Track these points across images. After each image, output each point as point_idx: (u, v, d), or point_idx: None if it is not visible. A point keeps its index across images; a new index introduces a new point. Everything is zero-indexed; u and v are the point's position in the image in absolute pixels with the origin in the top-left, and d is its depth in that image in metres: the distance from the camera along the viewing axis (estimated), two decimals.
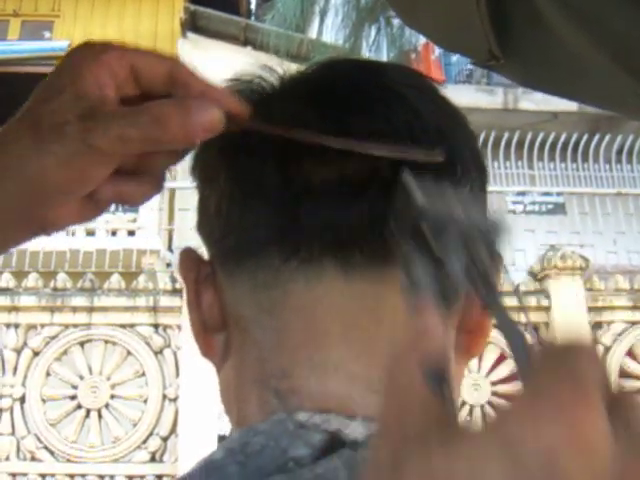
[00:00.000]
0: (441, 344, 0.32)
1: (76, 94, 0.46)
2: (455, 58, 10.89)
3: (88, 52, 0.48)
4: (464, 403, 5.69)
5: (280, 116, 0.51)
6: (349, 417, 0.44)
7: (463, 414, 5.68)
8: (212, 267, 0.54)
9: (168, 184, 8.32)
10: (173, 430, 5.60)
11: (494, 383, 5.84)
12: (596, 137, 8.20)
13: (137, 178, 0.50)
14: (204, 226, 0.55)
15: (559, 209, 7.83)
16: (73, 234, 7.95)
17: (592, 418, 0.27)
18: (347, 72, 0.55)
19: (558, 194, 7.97)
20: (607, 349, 5.99)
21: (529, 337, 0.33)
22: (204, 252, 0.56)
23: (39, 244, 7.37)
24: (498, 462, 0.25)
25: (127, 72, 0.47)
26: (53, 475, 5.48)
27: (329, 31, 9.67)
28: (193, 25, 11.65)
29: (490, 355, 5.85)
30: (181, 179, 7.75)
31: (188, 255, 0.56)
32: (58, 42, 11.21)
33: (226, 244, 0.51)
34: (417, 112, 0.51)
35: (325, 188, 0.48)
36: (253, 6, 14.40)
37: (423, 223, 0.38)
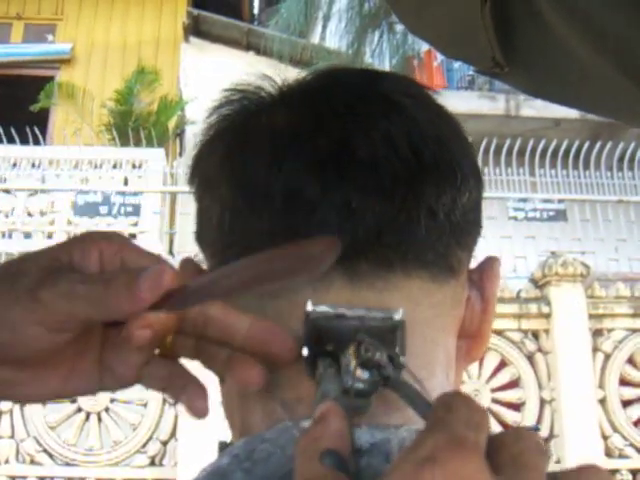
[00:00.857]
0: (341, 432, 0.38)
1: (55, 256, 0.46)
2: (457, 64, 10.89)
3: (87, 235, 0.47)
4: None
5: (280, 126, 0.51)
6: (354, 425, 0.43)
7: None
8: None
9: (169, 188, 8.33)
10: (173, 434, 5.59)
11: (494, 390, 5.83)
12: (598, 144, 8.19)
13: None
14: (205, 237, 0.55)
15: (560, 216, 7.82)
16: None
17: (468, 463, 0.31)
18: (345, 81, 0.55)
19: (559, 201, 7.96)
20: (607, 357, 5.98)
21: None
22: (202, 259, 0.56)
23: (40, 247, 7.36)
24: None
25: (115, 258, 0.46)
26: (52, 478, 5.47)
27: (332, 37, 9.69)
28: (196, 30, 11.67)
29: (490, 362, 5.84)
30: (182, 183, 7.76)
31: (187, 265, 0.56)
32: (61, 45, 11.22)
33: (229, 254, 0.51)
34: (416, 121, 0.51)
35: (329, 198, 0.48)
36: (256, 11, 14.43)
37: (328, 343, 0.44)
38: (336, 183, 0.48)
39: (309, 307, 0.44)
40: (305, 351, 0.45)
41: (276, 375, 0.48)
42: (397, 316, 0.45)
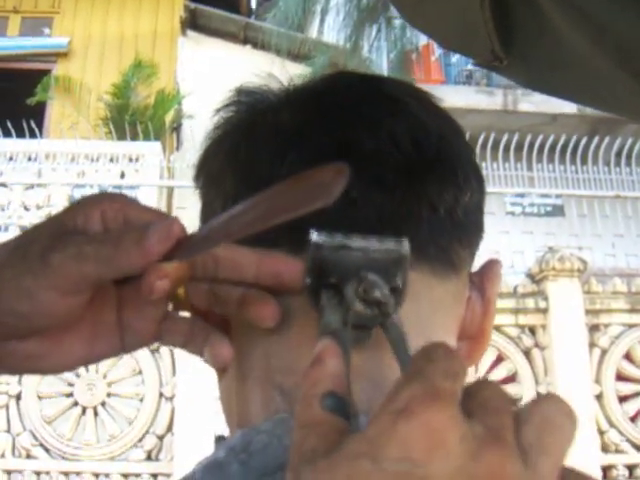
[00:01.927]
0: (338, 372, 0.38)
1: (61, 222, 0.47)
2: (455, 59, 10.89)
3: (88, 198, 0.48)
4: None
5: (285, 123, 0.52)
6: (353, 414, 0.43)
7: None
8: None
9: (166, 182, 8.33)
10: (169, 429, 5.60)
11: None
12: (595, 139, 8.19)
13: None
14: None
15: (558, 211, 7.82)
16: None
17: (441, 413, 0.32)
18: (350, 83, 0.56)
19: (557, 196, 7.96)
20: (604, 352, 6.00)
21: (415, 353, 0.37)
22: None
23: None
24: (367, 473, 0.31)
25: (117, 216, 0.47)
26: (48, 473, 5.48)
27: (330, 31, 9.68)
28: (193, 23, 11.65)
29: (487, 357, 5.85)
30: (179, 177, 7.76)
31: None
32: (58, 39, 11.20)
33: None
34: (419, 119, 0.52)
35: None
36: (254, 4, 14.40)
37: (331, 276, 0.44)
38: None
39: (314, 237, 0.44)
40: (308, 281, 0.45)
41: (276, 359, 0.49)
42: (402, 249, 0.45)
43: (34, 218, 8.06)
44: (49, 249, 0.44)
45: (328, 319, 0.43)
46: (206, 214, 0.56)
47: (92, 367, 5.66)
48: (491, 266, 0.57)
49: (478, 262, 0.58)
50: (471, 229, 0.54)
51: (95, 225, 0.46)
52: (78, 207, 0.47)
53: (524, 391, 5.84)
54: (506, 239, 7.18)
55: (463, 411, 0.33)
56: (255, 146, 0.52)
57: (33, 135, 8.33)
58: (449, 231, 0.51)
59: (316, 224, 0.47)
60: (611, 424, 5.84)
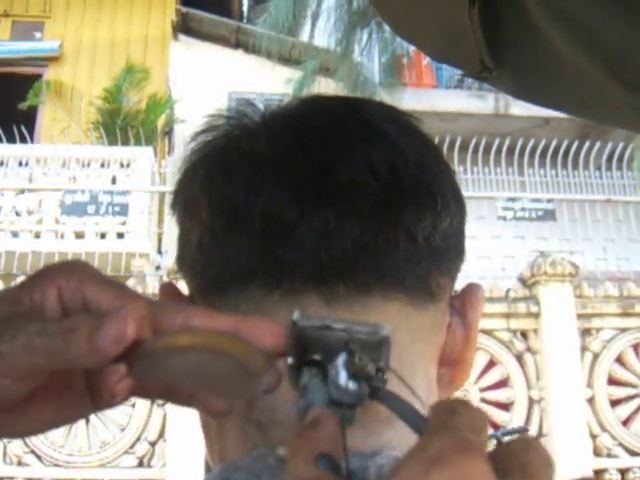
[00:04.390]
0: (333, 436, 0.37)
1: (16, 299, 0.44)
2: None
3: (46, 271, 0.46)
4: None
5: (261, 150, 0.51)
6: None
7: None
8: (192, 301, 0.53)
9: (157, 188, 8.31)
10: (161, 435, 5.58)
11: (483, 389, 5.84)
12: (586, 143, 8.21)
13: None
14: (185, 259, 0.55)
15: (549, 215, 7.84)
16: (62, 236, 7.91)
17: (475, 465, 0.31)
18: (327, 108, 0.56)
19: (548, 200, 7.98)
20: (596, 356, 6.01)
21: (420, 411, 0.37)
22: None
23: (27, 246, 7.34)
24: None
25: (75, 296, 0.44)
26: None
27: (321, 35, 9.68)
28: (185, 27, 11.65)
29: (479, 361, 5.84)
30: (171, 183, 7.73)
31: (167, 289, 0.56)
32: (49, 43, 11.18)
33: (208, 276, 0.51)
34: (397, 147, 0.51)
35: (307, 220, 0.48)
36: (245, 9, 14.42)
37: (314, 353, 0.43)
38: (314, 206, 0.48)
39: (296, 316, 0.44)
40: (290, 360, 0.44)
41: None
42: (384, 331, 0.44)
43: (25, 223, 8.03)
44: (1, 335, 0.42)
45: (311, 397, 0.41)
46: (183, 243, 0.55)
47: None
48: (472, 290, 0.56)
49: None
50: (451, 255, 0.53)
51: (52, 303, 0.44)
52: (35, 282, 0.45)
53: (516, 395, 5.85)
54: (498, 243, 7.18)
55: (497, 469, 0.32)
56: (230, 175, 0.51)
57: (24, 140, 8.30)
58: (427, 259, 0.50)
59: (294, 257, 0.47)
60: (603, 428, 5.84)
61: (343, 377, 0.41)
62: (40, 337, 0.41)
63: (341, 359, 0.42)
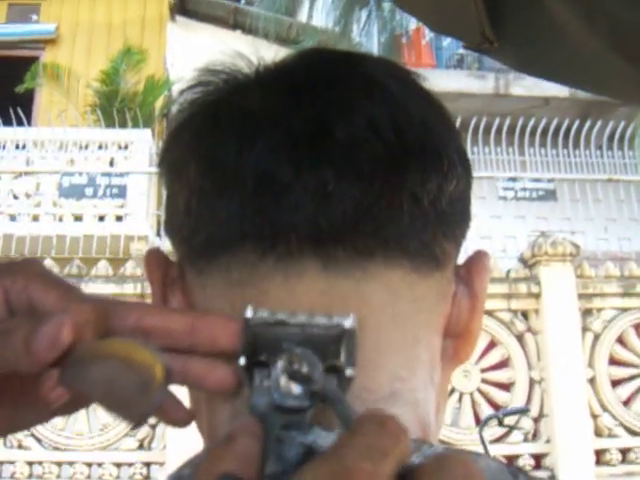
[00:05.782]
0: (246, 454, 0.35)
1: None
2: (446, 43, 10.87)
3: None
4: (453, 390, 5.70)
5: (253, 105, 0.48)
6: (325, 429, 0.40)
7: (453, 401, 5.69)
8: (180, 269, 0.50)
9: (155, 169, 8.28)
10: None
11: (484, 370, 5.84)
12: (587, 123, 8.18)
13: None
14: (172, 224, 0.51)
15: (550, 195, 7.82)
16: (60, 219, 7.90)
17: None
18: (326, 60, 0.52)
19: (549, 180, 7.96)
20: (597, 336, 6.01)
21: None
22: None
23: (25, 229, 7.32)
24: None
25: (20, 297, 0.43)
26: (40, 463, 5.47)
27: (319, 14, 9.63)
28: (182, 8, 11.60)
29: (480, 342, 5.84)
30: None
31: (154, 256, 0.53)
32: (45, 25, 11.13)
33: (197, 241, 0.48)
34: (401, 103, 0.48)
35: (303, 180, 0.45)
36: None
37: (261, 353, 0.41)
38: (311, 165, 0.45)
39: (249, 313, 0.41)
40: (242, 361, 0.41)
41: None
42: (347, 323, 0.41)
43: (23, 206, 8.02)
44: None
45: (256, 401, 0.39)
46: (170, 207, 0.51)
47: None
48: (479, 258, 0.53)
49: (469, 247, 0.54)
50: (457, 220, 0.50)
51: None
52: None
53: (517, 376, 5.85)
54: (498, 224, 7.17)
55: None
56: (220, 132, 0.48)
57: (21, 123, 8.27)
58: (432, 224, 0.47)
59: (289, 219, 0.44)
60: (604, 408, 5.85)
61: (284, 380, 0.39)
62: None
63: (280, 361, 0.39)
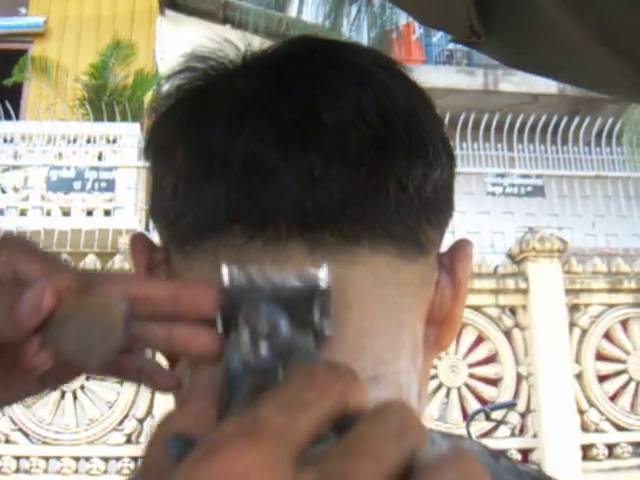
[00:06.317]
0: (200, 413, 0.34)
1: None
2: (436, 39, 10.86)
3: None
4: (441, 385, 5.71)
5: (241, 90, 0.49)
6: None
7: (440, 396, 5.71)
8: (165, 253, 0.51)
9: (144, 163, 8.26)
10: (149, 412, 5.58)
11: (471, 365, 5.86)
12: (576, 120, 8.20)
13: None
14: (158, 209, 0.52)
15: (538, 191, 7.84)
16: (48, 213, 7.86)
17: (251, 456, 0.27)
18: (314, 48, 0.53)
19: (537, 176, 7.98)
20: (584, 332, 6.03)
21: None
22: None
23: (13, 223, 7.28)
24: None
25: (6, 269, 0.43)
26: (28, 457, 5.45)
27: (309, 9, 9.61)
28: (171, 2, 11.54)
29: (467, 337, 5.87)
30: None
31: (139, 240, 0.53)
32: (34, 18, 11.04)
33: (183, 224, 0.48)
34: (387, 90, 0.49)
35: (291, 164, 0.45)
36: None
37: (233, 314, 0.40)
38: (298, 149, 0.45)
39: (224, 275, 0.41)
40: (219, 324, 0.41)
41: None
42: (318, 282, 0.41)
43: (11, 200, 7.97)
44: None
45: (227, 363, 0.39)
46: (156, 191, 0.52)
47: None
48: (462, 246, 0.54)
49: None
50: (441, 208, 0.50)
51: None
52: None
53: (504, 371, 5.87)
54: (486, 219, 7.19)
55: None
56: (208, 116, 0.48)
57: (9, 117, 8.22)
58: (417, 210, 0.48)
59: (277, 203, 0.45)
60: (591, 403, 5.88)
61: (247, 339, 0.39)
62: None
63: (243, 321, 0.39)
